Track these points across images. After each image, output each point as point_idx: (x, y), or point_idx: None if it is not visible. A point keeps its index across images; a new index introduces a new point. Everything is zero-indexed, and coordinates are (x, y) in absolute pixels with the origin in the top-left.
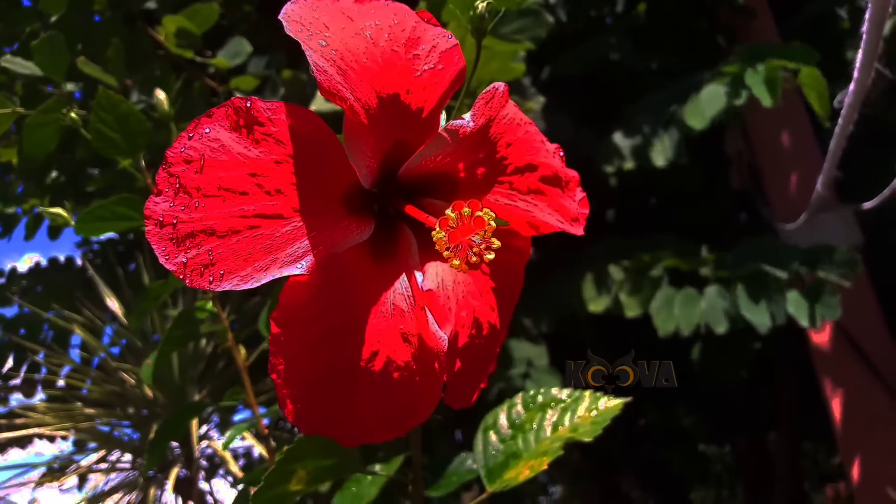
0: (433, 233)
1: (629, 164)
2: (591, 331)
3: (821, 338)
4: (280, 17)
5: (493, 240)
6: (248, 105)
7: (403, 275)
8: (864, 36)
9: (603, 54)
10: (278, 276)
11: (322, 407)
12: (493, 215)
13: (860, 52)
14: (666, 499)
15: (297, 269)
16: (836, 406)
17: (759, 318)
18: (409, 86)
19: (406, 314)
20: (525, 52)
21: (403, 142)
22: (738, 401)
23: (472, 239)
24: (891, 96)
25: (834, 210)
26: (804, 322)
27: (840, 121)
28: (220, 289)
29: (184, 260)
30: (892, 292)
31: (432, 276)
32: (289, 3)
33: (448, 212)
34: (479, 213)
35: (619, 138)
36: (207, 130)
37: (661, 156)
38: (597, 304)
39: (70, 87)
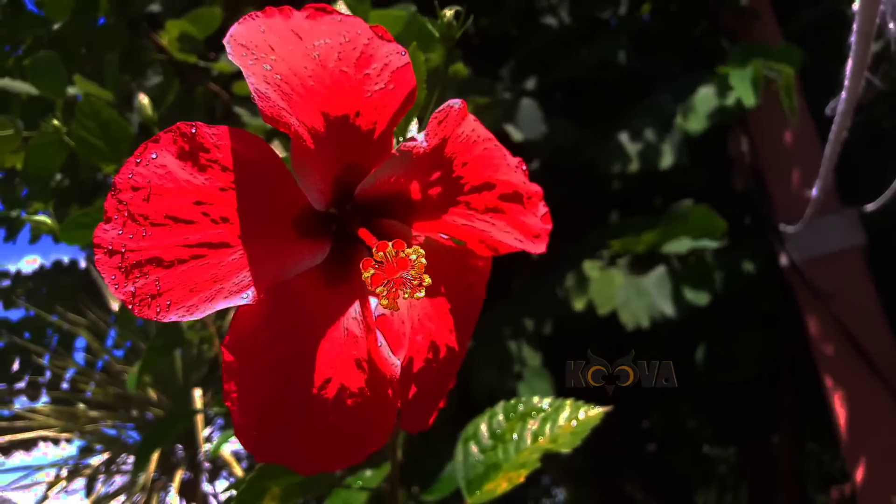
0: (362, 274)
1: (634, 166)
2: (588, 331)
3: (824, 339)
4: (224, 41)
5: (425, 277)
6: (194, 130)
7: (357, 300)
8: (853, 45)
9: (605, 57)
10: (224, 306)
11: (276, 435)
12: (422, 252)
13: (849, 60)
14: (669, 501)
15: (243, 299)
16: (840, 408)
17: (668, 306)
18: (359, 107)
19: (359, 340)
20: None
21: (355, 164)
22: (741, 403)
23: (403, 276)
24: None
25: (837, 212)
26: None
27: (833, 127)
28: (166, 319)
29: (132, 290)
30: None
31: None
32: (235, 25)
33: (374, 251)
34: (405, 253)
35: (623, 140)
36: (154, 156)
37: (664, 158)
38: (579, 302)
39: (73, 90)
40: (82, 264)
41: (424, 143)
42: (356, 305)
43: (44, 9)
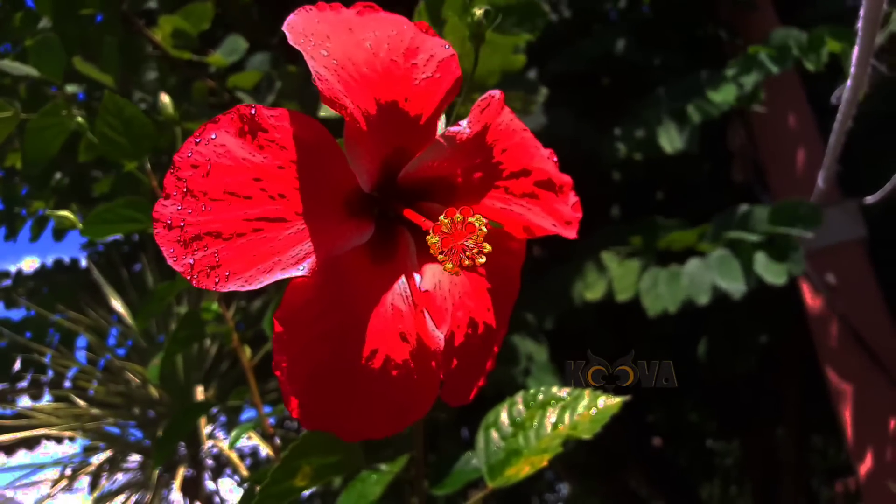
0: (427, 237)
1: (638, 155)
2: (592, 326)
3: (826, 332)
4: (283, 28)
5: (485, 244)
6: (253, 112)
7: (402, 276)
8: (859, 33)
9: (606, 50)
10: (281, 277)
11: (323, 403)
12: (485, 221)
13: (856, 48)
14: (674, 495)
15: (299, 270)
16: (842, 401)
17: (734, 284)
18: (407, 94)
19: (404, 314)
20: (525, 43)
21: (402, 147)
22: (745, 396)
23: (465, 243)
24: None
25: (838, 204)
26: (770, 278)
27: (838, 116)
28: (225, 289)
29: (191, 261)
30: None
31: (430, 277)
32: (292, 14)
33: (441, 218)
34: (471, 220)
35: (628, 130)
36: (214, 136)
37: (669, 144)
38: (594, 292)
39: (72, 88)
40: (83, 263)
41: (468, 130)
42: (401, 282)
43: (35, 4)
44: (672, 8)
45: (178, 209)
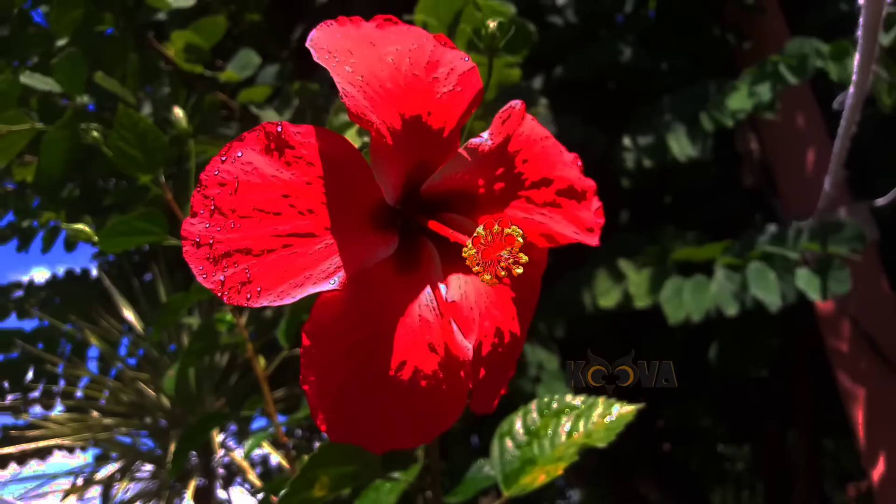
0: (465, 249)
1: (649, 162)
2: (602, 333)
3: (837, 336)
4: (307, 45)
5: (521, 255)
6: (279, 129)
7: (428, 287)
8: (860, 41)
9: (613, 56)
10: (312, 291)
11: (352, 416)
12: (522, 232)
13: (857, 55)
14: (685, 500)
15: (330, 284)
16: (854, 404)
17: (770, 296)
18: (430, 107)
19: (432, 325)
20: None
21: (426, 160)
22: (755, 399)
23: (502, 254)
24: None
25: (848, 207)
26: (814, 296)
27: (842, 121)
28: (257, 304)
29: (221, 278)
30: None
31: (455, 287)
32: (314, 31)
33: (479, 230)
34: (509, 231)
35: (639, 137)
36: (240, 154)
37: (681, 152)
38: (607, 300)
39: (83, 99)
40: (94, 273)
41: (489, 142)
42: (427, 292)
43: (50, 24)
44: (678, 12)
45: (206, 227)
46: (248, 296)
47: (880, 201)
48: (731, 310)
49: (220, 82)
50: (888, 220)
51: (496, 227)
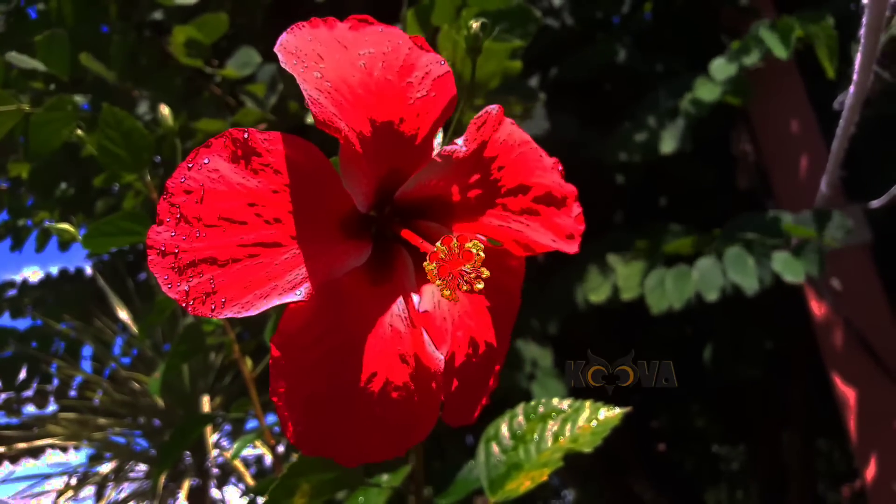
0: (424, 264)
1: (637, 157)
2: (595, 332)
3: (831, 337)
4: (275, 49)
5: (483, 269)
6: (246, 136)
7: (400, 297)
8: (862, 40)
9: (608, 58)
10: (278, 302)
11: (322, 428)
12: (482, 246)
13: (858, 55)
14: (679, 500)
15: (297, 295)
16: (848, 405)
17: (748, 280)
18: (402, 114)
19: (403, 335)
20: (522, 49)
21: (398, 168)
22: (750, 400)
23: (462, 269)
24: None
25: (842, 209)
26: (789, 277)
27: (841, 122)
28: (221, 316)
29: (186, 288)
30: None
31: (428, 297)
32: (284, 34)
33: (438, 245)
34: (468, 246)
35: (626, 132)
36: (206, 161)
37: (666, 144)
38: (598, 295)
39: (78, 98)
40: (88, 273)
41: (464, 148)
42: (399, 302)
43: (50, 15)
44: (673, 14)
45: (171, 235)
46: (213, 306)
47: (875, 203)
48: (712, 295)
49: (217, 79)
50: (881, 222)
51: (454, 242)
